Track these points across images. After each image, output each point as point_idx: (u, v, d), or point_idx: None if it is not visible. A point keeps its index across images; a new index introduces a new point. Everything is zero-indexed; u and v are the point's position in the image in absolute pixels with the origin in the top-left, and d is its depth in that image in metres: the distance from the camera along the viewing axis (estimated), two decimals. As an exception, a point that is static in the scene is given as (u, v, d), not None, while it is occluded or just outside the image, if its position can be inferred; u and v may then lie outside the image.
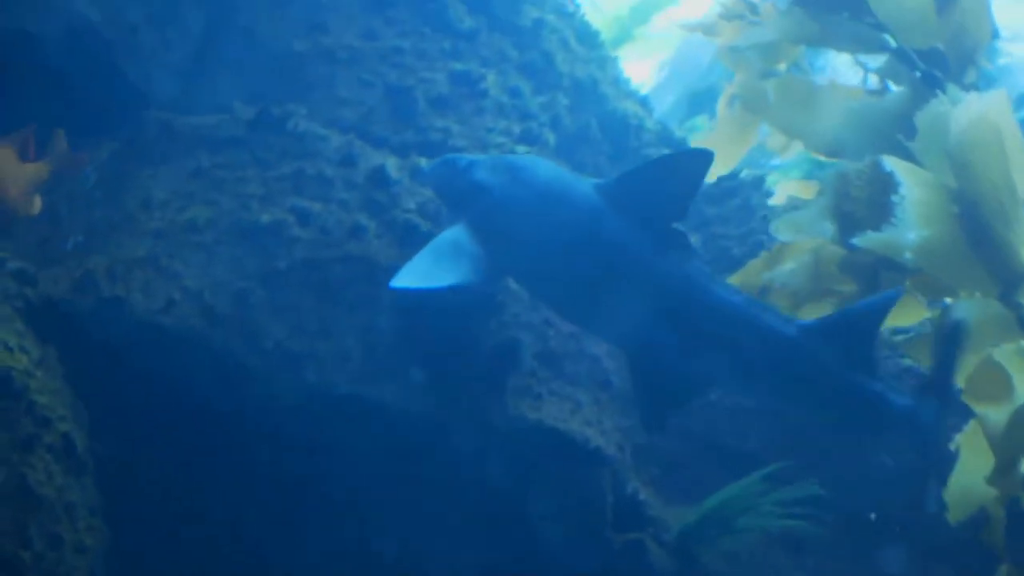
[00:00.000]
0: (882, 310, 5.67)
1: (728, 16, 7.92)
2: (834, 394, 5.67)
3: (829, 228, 6.16)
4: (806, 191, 7.75)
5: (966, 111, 5.75)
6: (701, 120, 10.02)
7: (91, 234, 6.15)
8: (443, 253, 5.71)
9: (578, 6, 8.74)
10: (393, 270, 6.12)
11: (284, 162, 6.50)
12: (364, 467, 6.09)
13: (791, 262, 6.47)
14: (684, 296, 5.61)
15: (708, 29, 8.04)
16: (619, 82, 8.48)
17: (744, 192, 7.90)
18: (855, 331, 5.63)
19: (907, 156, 6.05)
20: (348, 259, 6.20)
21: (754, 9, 7.65)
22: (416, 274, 5.59)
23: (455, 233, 5.80)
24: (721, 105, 8.01)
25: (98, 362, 5.80)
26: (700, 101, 11.33)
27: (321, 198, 6.40)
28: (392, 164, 6.55)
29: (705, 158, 5.54)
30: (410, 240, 6.35)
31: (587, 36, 8.46)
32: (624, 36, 10.86)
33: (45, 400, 5.35)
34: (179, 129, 6.56)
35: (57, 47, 6.76)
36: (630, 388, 6.30)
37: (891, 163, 5.87)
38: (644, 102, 8.69)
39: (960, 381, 5.69)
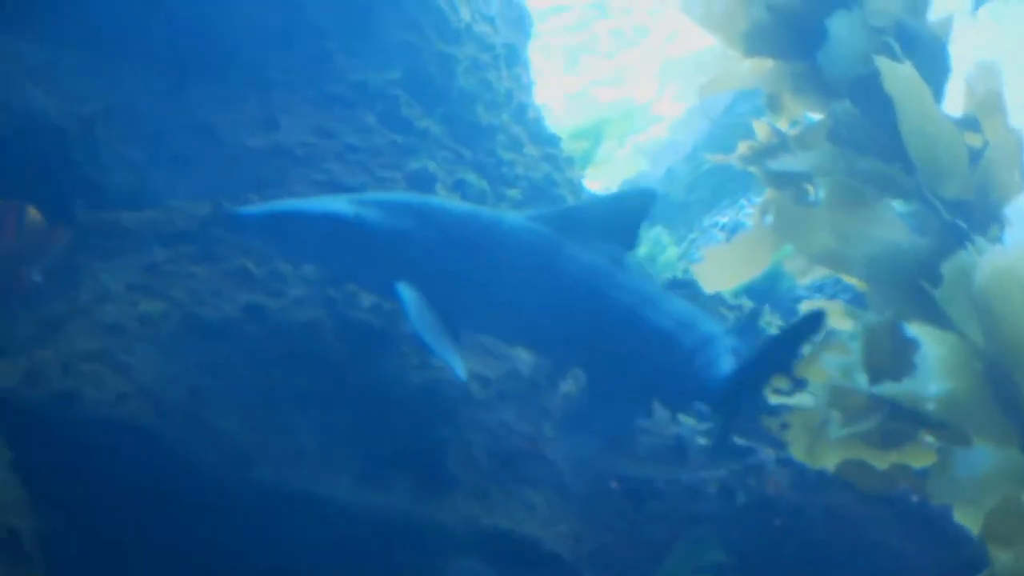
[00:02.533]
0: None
1: (757, 150, 7.92)
2: None
3: (862, 379, 6.16)
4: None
5: (991, 262, 5.77)
6: (658, 230, 10.08)
7: (44, 326, 6.04)
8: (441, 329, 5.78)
9: (525, 106, 8.79)
10: (348, 366, 6.14)
11: (237, 257, 6.47)
12: (321, 565, 5.97)
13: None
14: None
15: (740, 160, 8.05)
16: (574, 183, 8.53)
17: (686, 289, 7.98)
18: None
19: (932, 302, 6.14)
20: (303, 356, 6.15)
21: (784, 139, 7.66)
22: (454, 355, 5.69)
23: (421, 302, 5.82)
24: (755, 216, 8.01)
25: (49, 454, 5.67)
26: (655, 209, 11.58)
27: (275, 294, 6.36)
28: (346, 261, 6.52)
29: (649, 195, 6.46)
30: (365, 337, 6.34)
31: (544, 139, 8.52)
32: (588, 158, 10.98)
33: (-7, 493, 5.25)
34: (134, 223, 6.52)
35: (10, 138, 6.71)
36: (582, 489, 6.33)
37: (913, 328, 5.93)
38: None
39: (974, 526, 5.75)
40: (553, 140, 8.62)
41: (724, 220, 10.92)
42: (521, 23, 9.27)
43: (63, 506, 5.63)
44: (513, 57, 8.66)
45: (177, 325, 6.09)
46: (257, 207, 6.00)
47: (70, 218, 6.59)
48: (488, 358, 6.60)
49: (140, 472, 5.76)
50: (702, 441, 6.80)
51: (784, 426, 6.61)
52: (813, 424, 6.43)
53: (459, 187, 7.49)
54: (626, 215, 6.23)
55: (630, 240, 6.31)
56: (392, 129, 7.68)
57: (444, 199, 6.65)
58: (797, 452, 6.49)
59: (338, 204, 5.97)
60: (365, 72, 7.87)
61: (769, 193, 7.65)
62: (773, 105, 7.60)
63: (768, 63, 7.50)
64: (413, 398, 6.20)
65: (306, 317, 6.31)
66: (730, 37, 7.55)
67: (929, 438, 6.16)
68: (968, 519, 5.84)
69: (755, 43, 7.47)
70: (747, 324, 6.79)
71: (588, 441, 6.51)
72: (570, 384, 6.75)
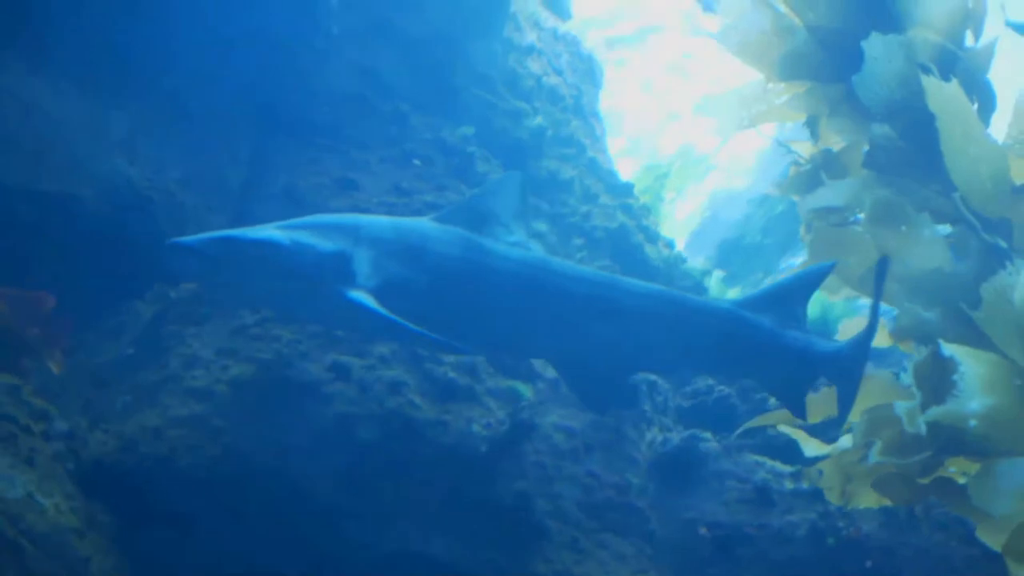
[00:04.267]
0: None
1: (796, 176, 7.87)
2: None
3: (923, 426, 6.17)
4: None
5: (1032, 281, 5.86)
6: (715, 277, 10.11)
7: (137, 394, 6.16)
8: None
9: (597, 156, 8.86)
10: (434, 423, 6.19)
11: (321, 318, 6.55)
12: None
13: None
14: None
15: (783, 188, 8.02)
16: (649, 232, 8.57)
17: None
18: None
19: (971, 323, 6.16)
20: (388, 416, 6.21)
21: (824, 161, 7.61)
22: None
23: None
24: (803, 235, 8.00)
25: (148, 518, 5.80)
26: (729, 251, 11.62)
27: (361, 353, 6.43)
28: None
29: (518, 176, 6.35)
30: (450, 394, 6.40)
31: (618, 189, 8.57)
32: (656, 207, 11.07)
33: (95, 560, 5.36)
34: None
35: (98, 207, 6.84)
36: (671, 537, 6.36)
37: (950, 348, 5.98)
38: (671, 245, 8.80)
39: (997, 544, 5.82)
40: (627, 190, 8.69)
41: (798, 261, 10.92)
42: (591, 74, 9.38)
43: (162, 569, 5.73)
44: (584, 108, 8.74)
45: (266, 388, 6.17)
46: (196, 236, 5.81)
47: (158, 287, 6.72)
48: (573, 409, 6.65)
49: (235, 533, 5.85)
50: (789, 485, 6.80)
51: (820, 473, 6.65)
52: (848, 462, 6.48)
53: (535, 239, 7.55)
54: (509, 200, 6.20)
55: (522, 221, 6.24)
56: (468, 184, 7.78)
57: (365, 215, 6.38)
58: (832, 495, 6.54)
59: (271, 231, 5.83)
60: (439, 130, 8.00)
61: (807, 220, 7.62)
62: (812, 129, 7.62)
63: (803, 87, 7.54)
64: (500, 453, 6.24)
65: (391, 376, 6.37)
66: (767, 65, 7.58)
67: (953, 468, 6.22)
68: (991, 534, 5.94)
69: (791, 68, 7.51)
70: (767, 300, 6.45)
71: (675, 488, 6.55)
72: (655, 432, 6.78)
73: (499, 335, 6.12)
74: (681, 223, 12.68)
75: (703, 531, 6.49)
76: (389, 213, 7.30)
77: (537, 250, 6.17)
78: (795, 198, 7.89)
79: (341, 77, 7.89)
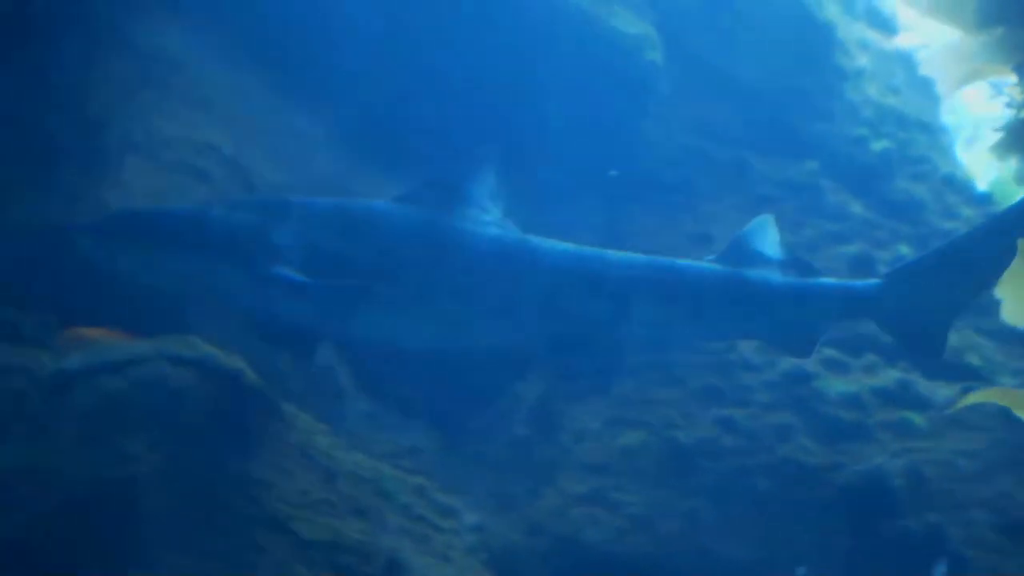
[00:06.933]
0: None
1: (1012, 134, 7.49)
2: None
3: None
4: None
5: None
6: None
7: (535, 475, 6.31)
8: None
9: (950, 170, 8.64)
10: (828, 468, 6.12)
11: (701, 376, 6.59)
12: None
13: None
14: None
15: (998, 149, 7.60)
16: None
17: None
18: None
19: None
20: (781, 463, 6.19)
21: None
22: None
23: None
24: None
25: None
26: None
27: (742, 403, 6.45)
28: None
29: (492, 153, 5.97)
30: (839, 434, 6.33)
31: (976, 199, 8.34)
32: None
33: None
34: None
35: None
36: None
37: None
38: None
39: None
40: (986, 199, 8.42)
41: None
42: (929, 87, 9.16)
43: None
44: (928, 123, 8.57)
45: (657, 452, 6.25)
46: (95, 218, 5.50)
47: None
48: (969, 432, 6.47)
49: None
50: None
51: None
52: None
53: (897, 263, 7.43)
54: (484, 179, 5.89)
55: (499, 201, 5.89)
56: (822, 217, 7.72)
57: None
58: None
59: (176, 207, 5.56)
60: (784, 169, 7.98)
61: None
62: (1020, 76, 7.23)
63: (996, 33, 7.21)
64: (903, 485, 6.12)
65: (777, 421, 6.36)
66: (960, 18, 7.31)
67: None
68: None
69: (985, 16, 7.22)
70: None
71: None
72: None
73: (472, 316, 5.71)
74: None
75: None
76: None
77: (514, 229, 5.85)
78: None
79: (681, 134, 7.96)
